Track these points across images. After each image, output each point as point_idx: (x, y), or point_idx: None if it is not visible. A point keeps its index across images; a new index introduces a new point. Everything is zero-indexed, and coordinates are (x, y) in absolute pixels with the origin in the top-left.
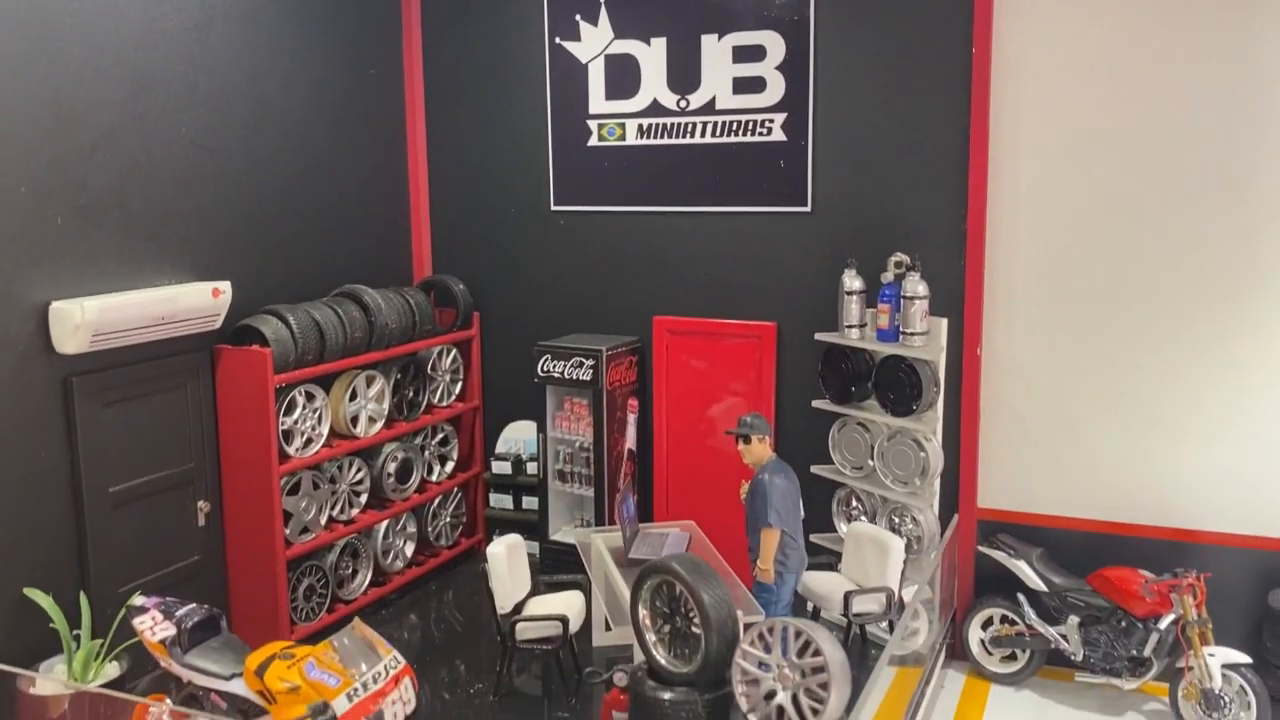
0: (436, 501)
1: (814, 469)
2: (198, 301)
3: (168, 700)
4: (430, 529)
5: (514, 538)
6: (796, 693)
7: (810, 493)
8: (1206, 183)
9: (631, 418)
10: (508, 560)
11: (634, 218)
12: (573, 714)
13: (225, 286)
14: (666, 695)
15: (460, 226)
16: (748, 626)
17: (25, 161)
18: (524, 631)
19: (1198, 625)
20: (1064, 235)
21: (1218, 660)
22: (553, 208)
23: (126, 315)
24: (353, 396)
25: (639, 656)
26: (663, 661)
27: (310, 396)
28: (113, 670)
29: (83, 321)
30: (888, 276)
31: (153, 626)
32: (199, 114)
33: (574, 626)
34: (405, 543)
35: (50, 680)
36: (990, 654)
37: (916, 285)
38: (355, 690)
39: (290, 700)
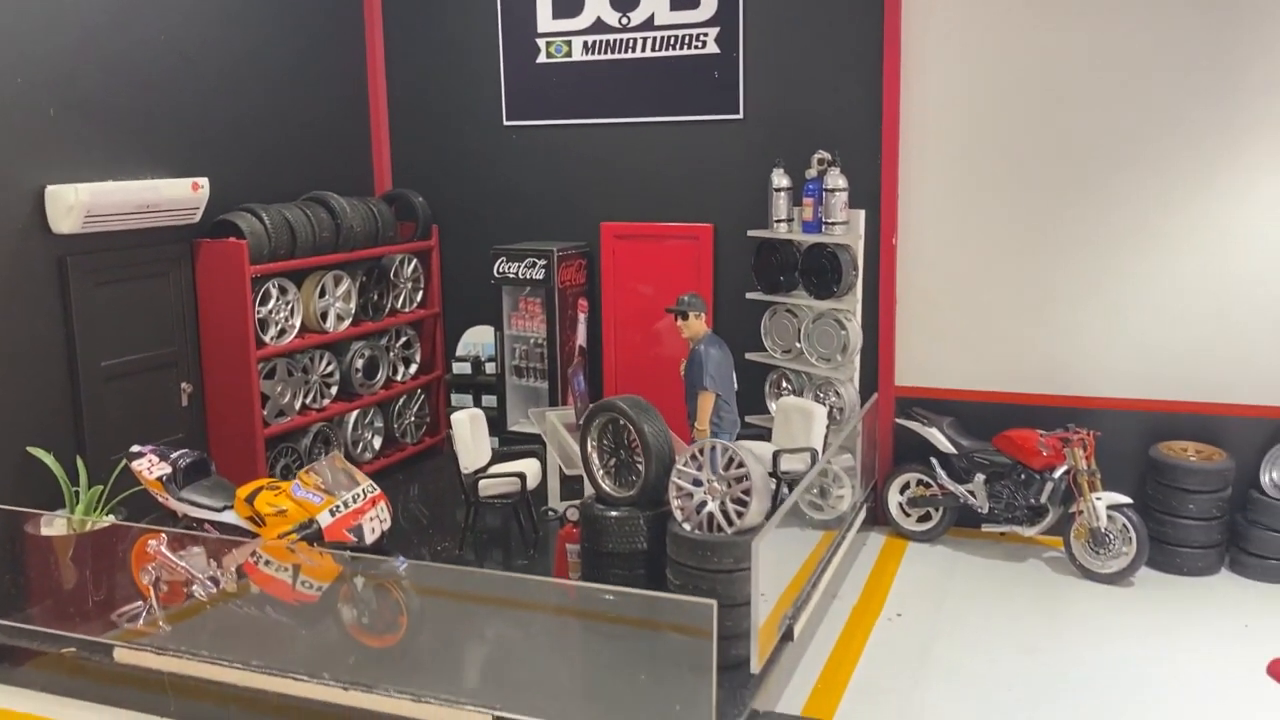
0: (401, 400)
1: (748, 355)
2: (179, 194)
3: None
4: (396, 426)
5: (475, 410)
6: (724, 501)
7: (745, 378)
8: (1104, 77)
9: (582, 317)
10: (470, 426)
11: (581, 130)
12: (531, 555)
13: (204, 182)
14: (613, 513)
15: (419, 143)
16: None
17: (19, 53)
18: (486, 488)
19: (1087, 474)
20: (969, 133)
21: (1104, 503)
22: (505, 123)
23: (115, 200)
24: (322, 293)
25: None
26: (609, 489)
27: (283, 290)
28: (111, 520)
29: (76, 202)
30: (811, 173)
31: (150, 467)
32: (177, 23)
33: (531, 484)
34: (373, 436)
35: (56, 521)
36: (907, 515)
37: (837, 179)
38: (337, 507)
39: (279, 522)
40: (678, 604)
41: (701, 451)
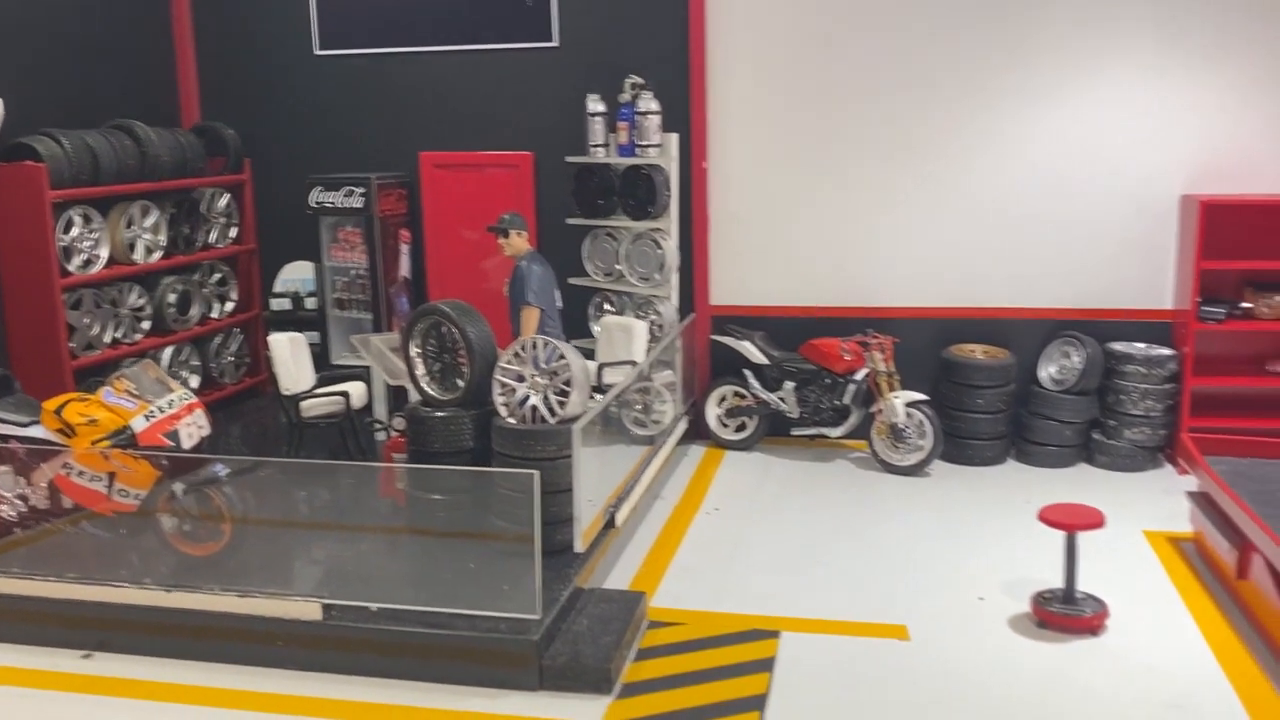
0: (219, 339)
1: (571, 280)
2: None
3: None
4: (214, 365)
5: (296, 334)
6: (546, 394)
7: (569, 302)
8: (896, 3)
9: (404, 248)
10: (289, 348)
11: (396, 59)
12: (358, 470)
13: None
14: (439, 414)
15: (228, 74)
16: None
17: None
18: (310, 408)
19: (886, 376)
20: (772, 61)
21: (902, 401)
22: (318, 52)
23: None
24: (129, 224)
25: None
26: (434, 393)
27: (88, 219)
28: None
29: None
30: (625, 97)
31: None
32: None
33: (357, 404)
34: (189, 375)
35: None
36: (725, 425)
37: (649, 102)
38: (152, 412)
39: (90, 431)
40: (502, 477)
41: (524, 348)
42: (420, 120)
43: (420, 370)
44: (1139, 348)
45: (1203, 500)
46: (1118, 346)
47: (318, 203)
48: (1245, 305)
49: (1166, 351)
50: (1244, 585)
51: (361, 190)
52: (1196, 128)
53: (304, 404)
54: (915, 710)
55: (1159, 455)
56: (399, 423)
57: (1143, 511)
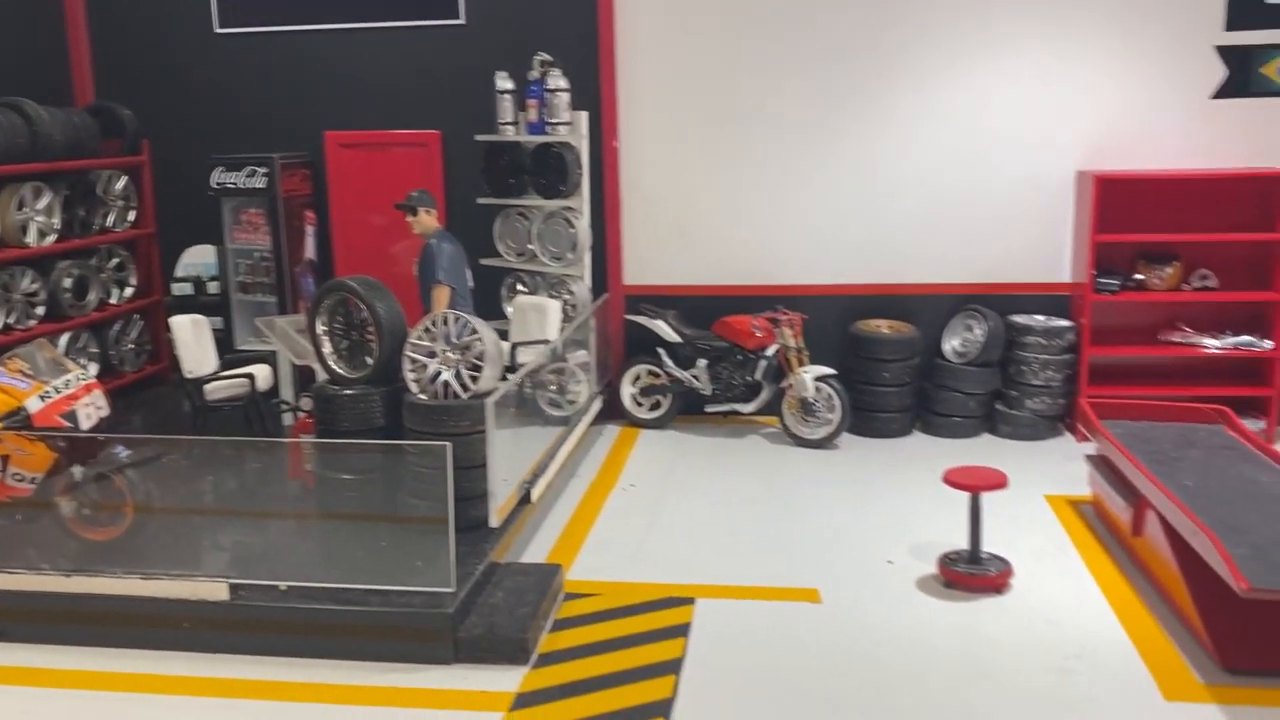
0: (118, 326)
1: (483, 261)
2: None
3: None
4: (114, 353)
5: (198, 316)
6: (458, 369)
7: (482, 283)
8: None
9: (310, 229)
10: (191, 329)
11: (298, 37)
12: (265, 450)
13: None
14: (348, 392)
15: (124, 53)
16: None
17: None
18: (214, 390)
19: (796, 351)
20: (680, 42)
21: (811, 375)
22: (217, 30)
23: None
24: (20, 205)
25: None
26: (342, 371)
27: None
28: None
29: None
30: (534, 75)
31: None
32: None
33: (263, 387)
34: (88, 362)
35: None
36: (640, 405)
37: (558, 80)
38: (47, 393)
39: None
40: (414, 453)
41: (435, 323)
42: (325, 99)
43: (327, 348)
44: (1038, 320)
45: (1100, 463)
46: (1018, 319)
47: (219, 184)
48: (1138, 277)
49: (1065, 323)
50: (1139, 542)
51: (264, 170)
52: (1091, 104)
53: (207, 387)
54: (826, 668)
55: (1059, 424)
56: (306, 403)
57: (1043, 477)
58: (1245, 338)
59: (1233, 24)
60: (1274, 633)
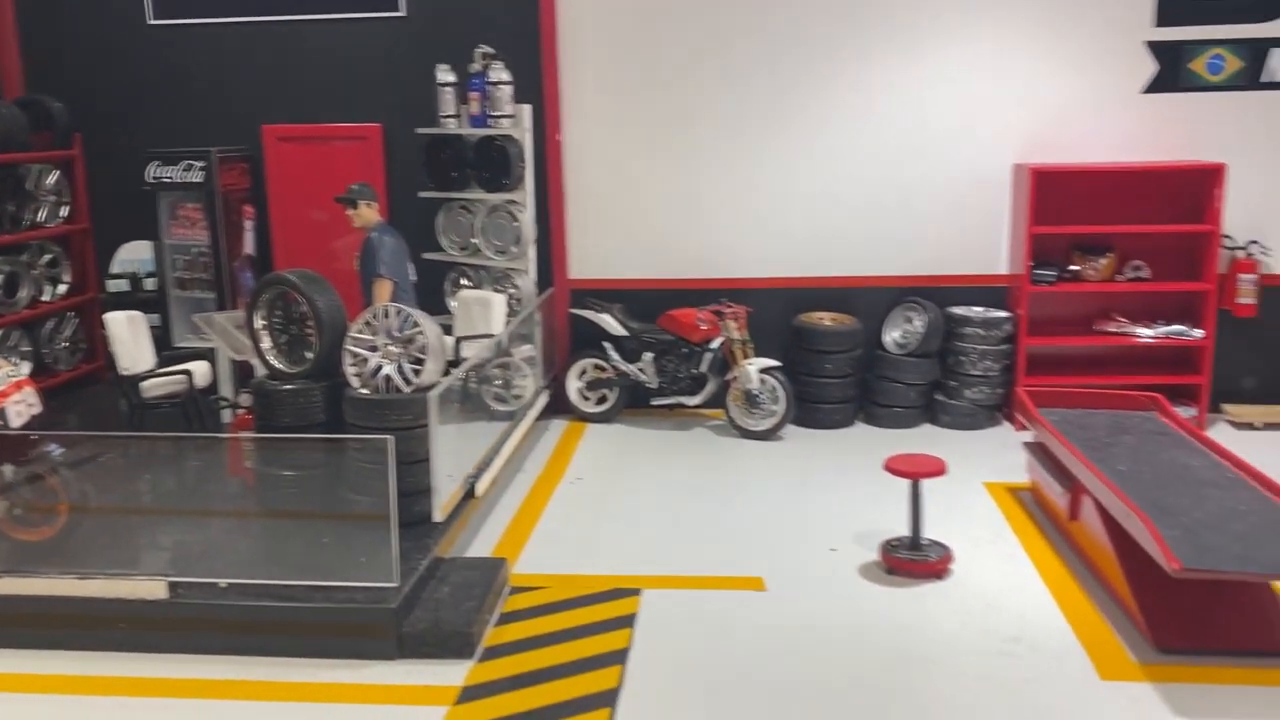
0: (51, 324)
1: (426, 255)
2: None
3: None
4: (47, 351)
5: (134, 312)
6: (400, 363)
7: (424, 278)
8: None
9: (248, 223)
10: (127, 325)
11: (236, 28)
12: (205, 449)
13: None
14: (287, 387)
15: (55, 45)
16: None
17: None
18: (151, 388)
19: (740, 344)
20: (627, 34)
21: (755, 367)
22: (151, 21)
23: None
24: None
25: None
26: (281, 366)
27: None
28: None
29: None
30: (475, 67)
31: None
32: None
33: (201, 384)
34: (20, 361)
35: None
36: (586, 399)
37: (500, 73)
38: None
39: None
40: (356, 448)
41: (376, 317)
42: (263, 92)
43: (266, 343)
44: (977, 311)
45: (1037, 450)
46: (957, 310)
47: (155, 178)
48: (1074, 268)
49: (1002, 314)
50: (1075, 526)
51: (201, 164)
52: (1027, 99)
53: (144, 385)
54: (772, 655)
55: (997, 413)
56: (245, 399)
57: (982, 465)
58: (1177, 327)
59: (1162, 20)
60: (1204, 612)
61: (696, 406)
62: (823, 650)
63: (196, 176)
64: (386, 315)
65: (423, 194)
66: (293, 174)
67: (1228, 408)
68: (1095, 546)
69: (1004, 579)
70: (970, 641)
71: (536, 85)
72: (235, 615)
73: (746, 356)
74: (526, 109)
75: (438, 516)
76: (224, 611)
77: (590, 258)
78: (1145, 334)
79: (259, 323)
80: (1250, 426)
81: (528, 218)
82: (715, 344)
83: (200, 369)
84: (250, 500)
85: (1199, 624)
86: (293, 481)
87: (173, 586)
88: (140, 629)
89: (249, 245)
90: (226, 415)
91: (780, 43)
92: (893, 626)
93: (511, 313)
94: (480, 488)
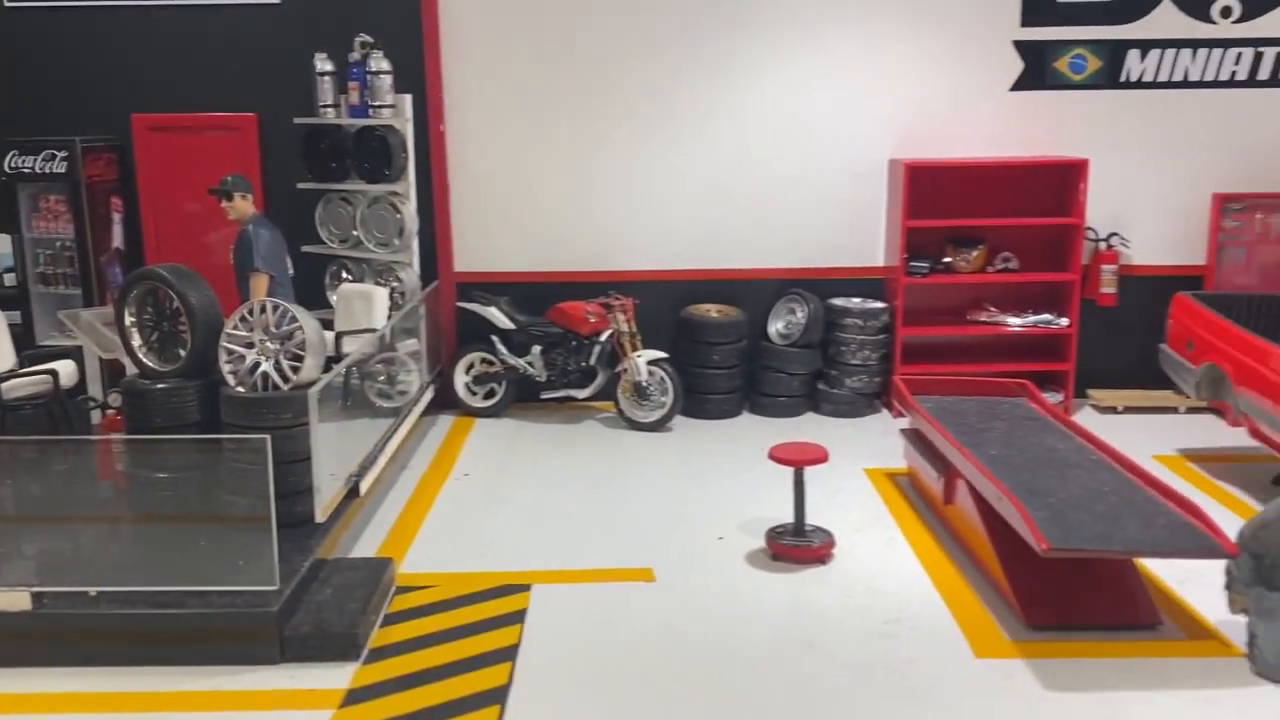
0: None
1: (305, 248)
2: None
3: None
4: None
5: None
6: (278, 360)
7: (304, 272)
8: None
9: (117, 216)
10: None
11: (102, 12)
12: (72, 452)
13: None
14: (159, 386)
15: None
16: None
17: None
18: (12, 389)
19: (629, 336)
20: (511, 26)
21: (644, 359)
22: (8, 3)
23: None
24: None
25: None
26: (152, 365)
27: None
28: None
29: None
30: (354, 56)
31: None
32: None
33: (67, 383)
34: None
35: None
36: (474, 393)
37: (380, 62)
38: None
39: None
40: (232, 447)
41: (252, 312)
42: (132, 80)
43: (137, 340)
44: (855, 302)
45: (913, 436)
46: (837, 302)
47: (13, 168)
48: (947, 260)
49: (880, 305)
50: (950, 509)
51: (64, 154)
52: (902, 96)
53: (5, 385)
54: (661, 644)
55: (876, 401)
56: (115, 399)
57: (862, 451)
58: (1044, 316)
59: (1027, 20)
60: (1072, 590)
61: (586, 399)
62: (711, 638)
63: (59, 167)
64: (263, 310)
65: (301, 185)
66: (164, 165)
67: (1092, 393)
68: (969, 528)
69: (884, 562)
70: (852, 624)
71: (419, 74)
72: (107, 625)
73: (635, 349)
74: (408, 99)
75: (320, 517)
76: (95, 621)
77: (476, 250)
78: (1014, 323)
79: (129, 319)
80: (1113, 410)
81: (410, 209)
82: (604, 336)
83: (66, 368)
84: (122, 505)
85: (1067, 601)
86: (167, 484)
87: (36, 597)
88: (3, 641)
89: (117, 239)
90: (95, 416)
91: (665, 37)
92: (778, 611)
93: (394, 307)
94: (364, 486)
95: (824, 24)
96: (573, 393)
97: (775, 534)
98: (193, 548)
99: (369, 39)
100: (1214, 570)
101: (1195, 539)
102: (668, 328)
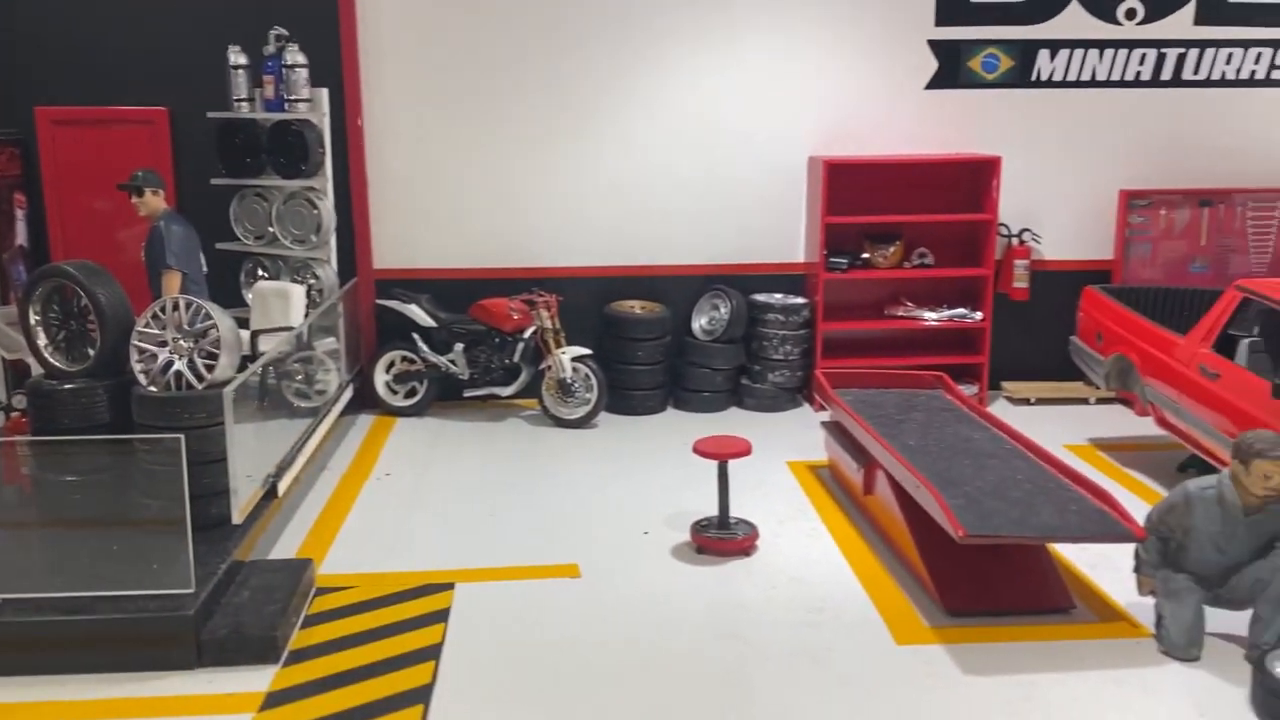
0: None
1: (219, 245)
2: None
3: None
4: None
5: None
6: (191, 358)
7: (218, 269)
8: None
9: (20, 213)
10: None
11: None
12: None
13: None
14: (67, 387)
15: None
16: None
17: None
18: None
19: (553, 333)
20: (430, 21)
21: (568, 356)
22: None
23: None
24: None
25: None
26: (59, 364)
27: None
28: None
29: None
30: (269, 49)
31: None
32: None
33: None
34: None
35: None
36: (394, 392)
37: (296, 55)
38: None
39: None
40: (145, 448)
41: (164, 310)
42: (35, 72)
43: (42, 340)
44: (777, 298)
45: (834, 429)
46: (759, 297)
47: None
48: (865, 256)
49: (800, 300)
50: (870, 500)
51: None
52: (819, 95)
53: None
54: (587, 640)
55: (798, 395)
56: (20, 401)
57: (785, 444)
58: (959, 310)
59: (941, 20)
60: (989, 576)
61: (510, 397)
62: (637, 631)
63: None
64: (176, 308)
65: (215, 181)
66: (71, 160)
67: (1006, 385)
68: (888, 518)
69: (806, 553)
70: (776, 615)
71: (336, 69)
72: (14, 633)
73: (559, 345)
74: (324, 93)
75: (237, 518)
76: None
77: (396, 247)
78: (931, 317)
79: (34, 318)
80: (1026, 402)
81: (327, 205)
82: (528, 333)
83: None
84: (28, 510)
85: (983, 587)
86: (76, 487)
87: None
88: None
89: (21, 236)
90: None
91: (586, 32)
92: (703, 605)
93: (312, 304)
94: (282, 487)
95: (741, 23)
96: (496, 390)
97: (700, 527)
98: (105, 552)
99: (284, 32)
100: (1124, 554)
101: (1106, 524)
102: (592, 324)
